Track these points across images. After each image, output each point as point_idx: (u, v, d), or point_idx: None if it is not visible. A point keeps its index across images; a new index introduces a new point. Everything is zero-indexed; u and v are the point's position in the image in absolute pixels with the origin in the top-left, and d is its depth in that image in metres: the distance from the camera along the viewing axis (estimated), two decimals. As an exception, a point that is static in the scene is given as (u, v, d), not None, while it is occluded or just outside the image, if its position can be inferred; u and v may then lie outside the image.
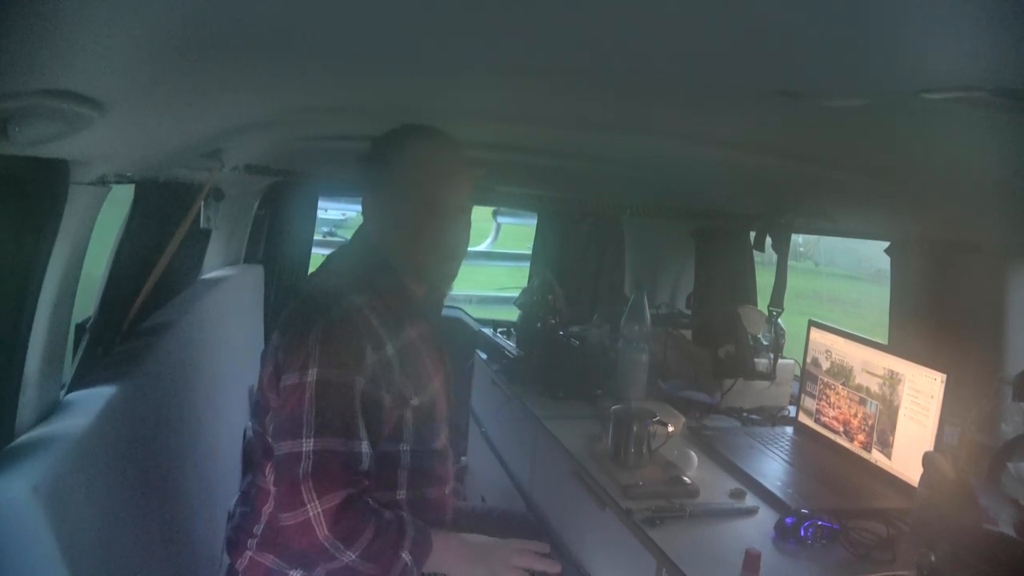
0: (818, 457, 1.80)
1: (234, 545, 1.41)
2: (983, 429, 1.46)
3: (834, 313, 8.38)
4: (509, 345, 2.56)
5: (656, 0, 0.69)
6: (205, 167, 1.76)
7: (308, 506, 1.21)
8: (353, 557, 1.23)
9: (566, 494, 1.79)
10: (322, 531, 1.20)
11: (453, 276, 1.47)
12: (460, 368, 2.86)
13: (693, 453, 1.72)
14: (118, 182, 1.34)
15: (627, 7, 0.71)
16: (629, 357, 2.14)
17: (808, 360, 1.96)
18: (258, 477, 1.41)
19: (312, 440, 1.22)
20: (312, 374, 1.24)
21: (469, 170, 1.45)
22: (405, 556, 1.26)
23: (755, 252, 2.64)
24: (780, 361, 2.19)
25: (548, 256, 3.52)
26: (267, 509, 1.37)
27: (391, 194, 1.41)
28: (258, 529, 1.37)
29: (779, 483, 1.62)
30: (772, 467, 1.73)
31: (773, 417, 2.11)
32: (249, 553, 1.37)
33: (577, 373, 2.26)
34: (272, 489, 1.34)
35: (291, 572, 1.35)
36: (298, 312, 1.35)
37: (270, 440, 1.34)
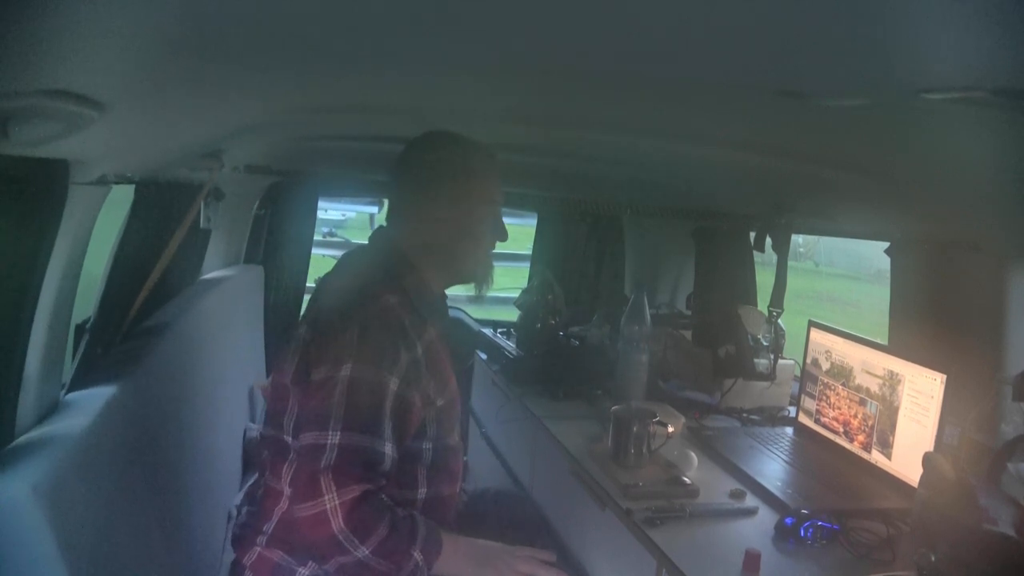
0: (818, 457, 1.80)
1: (241, 541, 1.41)
2: (983, 429, 1.46)
3: (834, 313, 8.38)
4: (509, 345, 2.56)
5: (656, 0, 0.69)
6: (205, 167, 1.76)
7: (325, 497, 1.21)
8: (366, 552, 1.23)
9: (566, 494, 1.79)
10: (337, 523, 1.21)
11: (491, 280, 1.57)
12: (460, 368, 2.86)
13: (693, 453, 1.72)
14: (118, 182, 1.34)
15: (627, 7, 0.71)
16: (629, 357, 2.14)
17: (808, 360, 1.96)
18: (268, 478, 1.41)
19: (338, 434, 1.23)
20: (346, 369, 1.25)
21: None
22: (416, 555, 1.27)
23: (755, 252, 2.64)
24: (780, 361, 2.19)
25: (548, 256, 3.51)
26: (279, 509, 1.37)
27: (458, 205, 1.45)
28: (268, 527, 1.38)
29: (779, 483, 1.62)
30: (772, 467, 1.73)
31: (773, 417, 2.11)
32: (258, 549, 1.37)
33: (577, 373, 2.26)
34: (287, 489, 1.34)
35: (299, 569, 1.35)
36: (332, 308, 1.36)
37: (287, 438, 1.35)
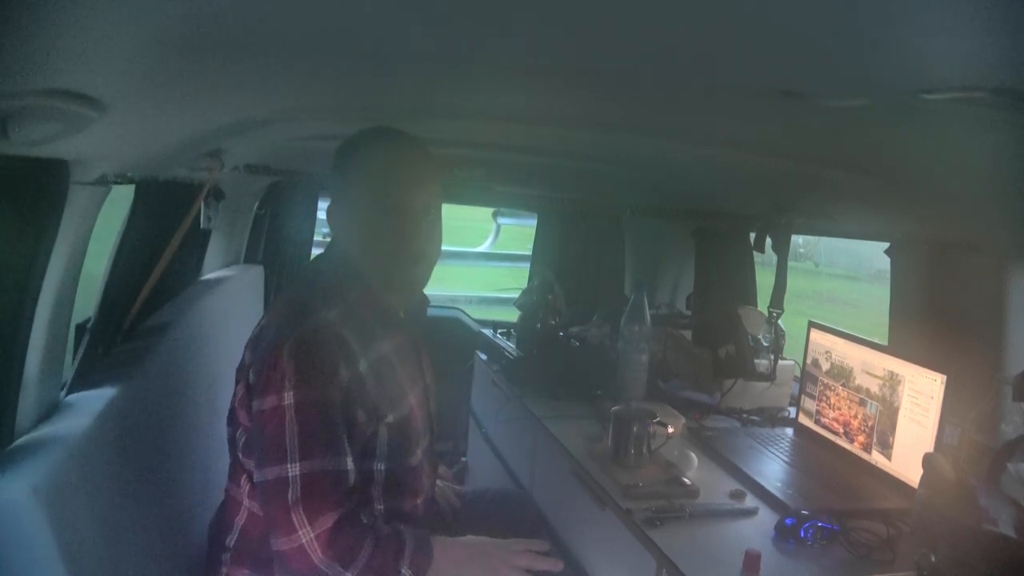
0: (818, 458, 1.80)
1: (209, 561, 1.40)
2: (983, 429, 1.46)
3: (834, 314, 8.38)
4: (509, 345, 2.56)
5: (657, 1, 0.69)
6: (205, 167, 1.76)
7: (300, 532, 1.20)
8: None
9: (566, 494, 1.79)
10: (317, 555, 1.20)
11: (422, 281, 1.42)
12: (460, 368, 2.86)
13: (693, 454, 1.72)
14: (118, 182, 1.34)
15: (627, 7, 0.71)
16: (629, 357, 2.14)
17: (808, 361, 1.96)
18: (230, 486, 1.39)
19: (298, 464, 1.21)
20: (289, 396, 1.22)
21: (430, 170, 1.38)
22: (405, 570, 1.25)
23: (755, 252, 2.64)
24: (780, 362, 2.19)
25: (548, 256, 3.51)
26: (239, 520, 1.36)
27: (350, 200, 1.37)
28: (231, 541, 1.37)
29: (779, 484, 1.62)
30: (772, 468, 1.73)
31: (773, 418, 2.11)
32: (224, 569, 1.37)
33: (577, 373, 2.26)
34: (246, 501, 1.34)
35: None
36: (268, 329, 1.31)
37: (240, 455, 1.34)
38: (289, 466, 1.21)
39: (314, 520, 1.20)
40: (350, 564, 1.21)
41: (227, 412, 1.40)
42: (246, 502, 1.35)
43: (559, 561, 1.39)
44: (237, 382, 1.36)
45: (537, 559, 1.35)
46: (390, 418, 1.34)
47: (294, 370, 1.23)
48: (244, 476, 1.34)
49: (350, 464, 1.26)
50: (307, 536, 1.20)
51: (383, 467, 1.36)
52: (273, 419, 1.23)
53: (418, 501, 1.44)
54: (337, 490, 1.24)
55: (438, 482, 1.70)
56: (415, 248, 1.36)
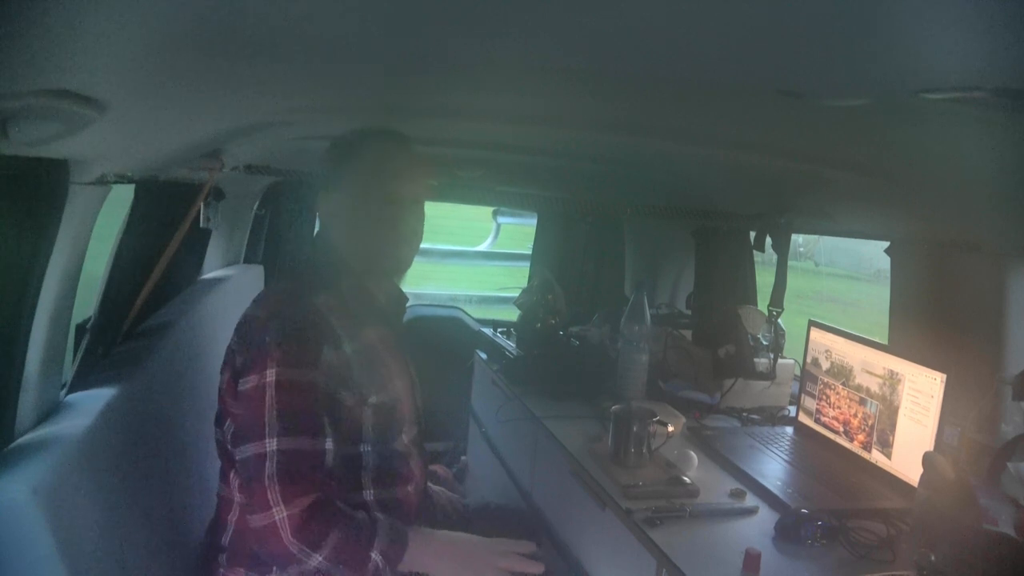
0: (818, 457, 1.80)
1: (205, 563, 1.41)
2: (983, 429, 1.47)
3: (834, 313, 8.38)
4: (509, 345, 2.56)
5: (656, 1, 0.69)
6: (205, 167, 1.76)
7: (274, 509, 1.20)
8: (320, 560, 1.22)
9: (566, 494, 1.79)
10: (287, 535, 1.20)
11: (407, 264, 1.50)
12: (460, 368, 2.86)
13: (693, 453, 1.72)
14: (118, 182, 1.34)
15: (627, 7, 0.71)
16: (629, 357, 2.14)
17: (808, 360, 1.96)
18: (221, 487, 1.40)
19: (276, 440, 1.22)
20: (271, 374, 1.24)
21: (420, 166, 1.48)
22: (375, 556, 1.25)
23: (755, 252, 2.64)
24: (780, 361, 2.19)
25: (548, 256, 3.52)
26: (232, 518, 1.37)
27: (342, 191, 1.44)
28: (225, 539, 1.37)
29: (779, 483, 1.62)
30: (772, 467, 1.73)
31: (773, 417, 2.11)
32: (221, 570, 1.37)
33: (577, 373, 2.26)
34: (237, 496, 1.35)
35: None
36: (254, 315, 1.35)
37: (229, 446, 1.35)
38: (267, 441, 1.22)
39: (289, 500, 1.21)
40: (318, 547, 1.22)
41: (216, 417, 1.41)
42: (237, 498, 1.35)
43: (540, 564, 1.37)
44: (223, 370, 1.37)
45: (519, 560, 1.34)
46: (374, 400, 1.36)
47: (278, 350, 1.26)
48: (233, 473, 1.35)
49: (329, 445, 1.27)
50: (280, 514, 1.20)
51: (370, 450, 1.38)
52: (254, 397, 1.25)
53: (409, 488, 1.45)
54: (314, 472, 1.25)
55: (437, 487, 1.70)
56: (404, 231, 1.45)
